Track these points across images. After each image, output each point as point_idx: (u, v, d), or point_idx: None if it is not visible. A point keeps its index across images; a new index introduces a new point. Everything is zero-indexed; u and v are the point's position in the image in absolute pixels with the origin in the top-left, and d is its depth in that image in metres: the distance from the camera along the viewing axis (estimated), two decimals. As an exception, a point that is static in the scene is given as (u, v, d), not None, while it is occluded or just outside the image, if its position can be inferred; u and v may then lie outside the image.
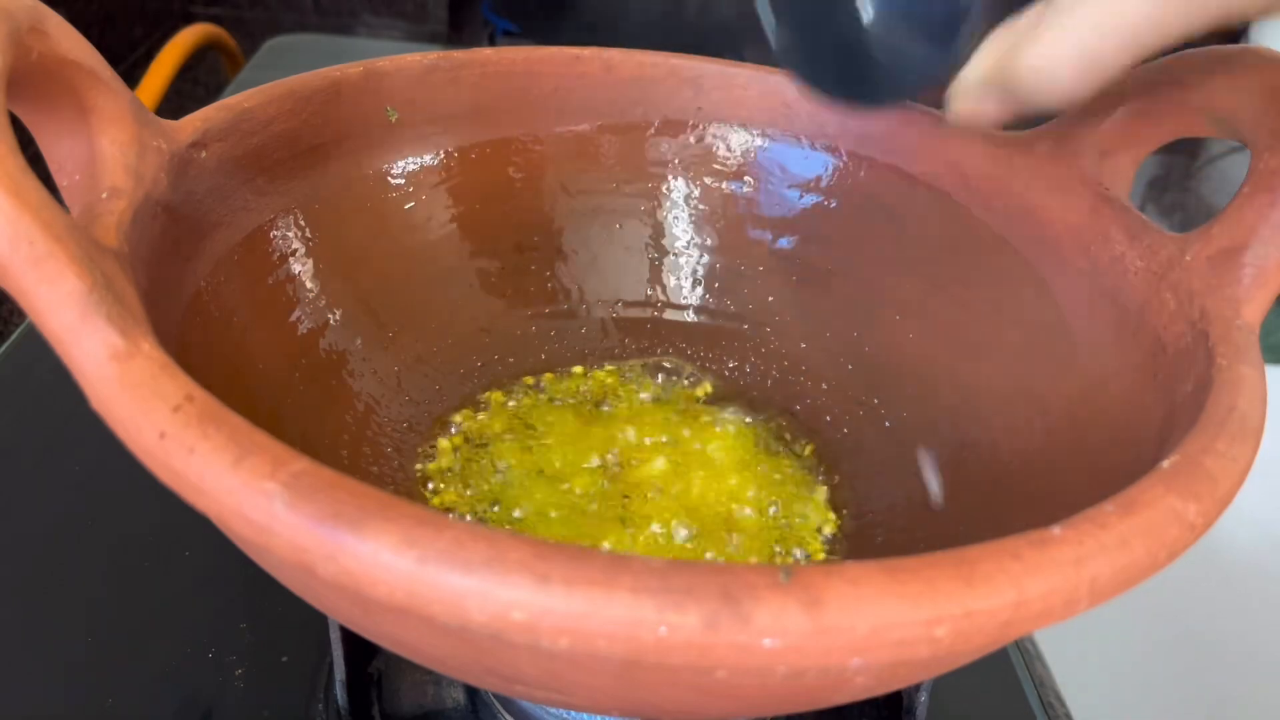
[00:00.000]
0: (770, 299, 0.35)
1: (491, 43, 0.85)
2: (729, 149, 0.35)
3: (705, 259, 0.36)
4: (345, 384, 0.30)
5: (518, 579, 0.13)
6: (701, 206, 0.36)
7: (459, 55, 0.33)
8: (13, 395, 0.40)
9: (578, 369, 0.35)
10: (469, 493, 0.30)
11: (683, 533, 0.29)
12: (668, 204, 0.36)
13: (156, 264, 0.21)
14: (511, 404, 0.33)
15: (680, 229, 0.36)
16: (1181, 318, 0.23)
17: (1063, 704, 0.34)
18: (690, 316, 0.36)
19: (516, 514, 0.30)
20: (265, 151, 0.28)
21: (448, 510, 0.30)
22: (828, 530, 0.30)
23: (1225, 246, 0.23)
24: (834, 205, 0.34)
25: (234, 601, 0.32)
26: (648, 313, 0.36)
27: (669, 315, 0.36)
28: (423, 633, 0.16)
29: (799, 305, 0.35)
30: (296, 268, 0.29)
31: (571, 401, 0.34)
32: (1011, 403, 0.28)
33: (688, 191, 0.36)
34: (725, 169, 0.35)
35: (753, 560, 0.29)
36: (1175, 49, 0.22)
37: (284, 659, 0.31)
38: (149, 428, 0.15)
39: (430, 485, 0.31)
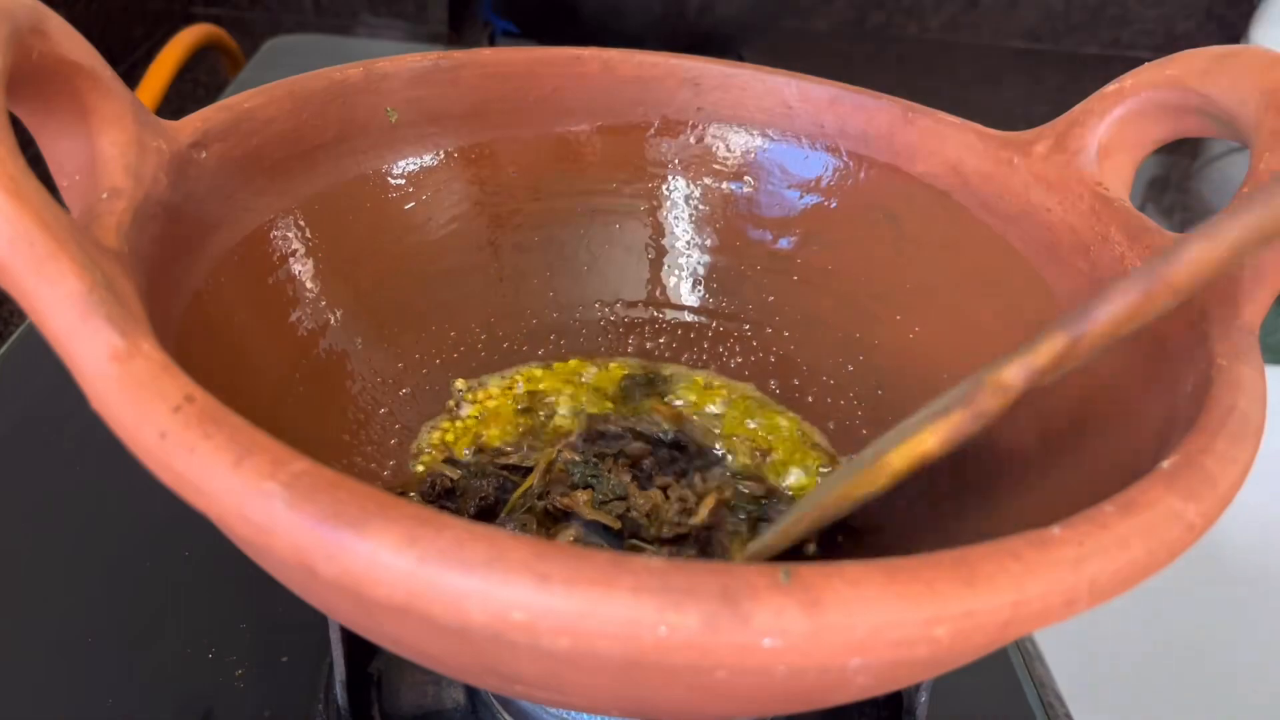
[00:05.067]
0: (770, 299, 0.35)
1: (491, 43, 0.85)
2: (729, 149, 0.35)
3: (705, 259, 0.36)
4: (345, 384, 0.31)
5: (518, 579, 0.13)
6: (701, 207, 0.36)
7: (459, 55, 0.33)
8: (13, 395, 0.40)
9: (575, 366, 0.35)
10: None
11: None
12: (667, 204, 0.36)
13: (156, 264, 0.21)
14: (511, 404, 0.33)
15: (680, 229, 0.36)
16: (1181, 318, 0.23)
17: (1063, 704, 0.34)
18: (690, 316, 0.36)
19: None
20: (265, 151, 0.28)
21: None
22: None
23: (1225, 247, 0.23)
24: (834, 205, 0.34)
25: (234, 601, 0.32)
26: (648, 313, 0.36)
27: (669, 315, 0.36)
28: (423, 633, 0.16)
29: (799, 305, 0.35)
30: (296, 268, 0.29)
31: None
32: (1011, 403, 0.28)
33: (687, 192, 0.36)
34: (725, 169, 0.35)
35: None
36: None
37: (284, 659, 0.31)
38: (149, 428, 0.15)
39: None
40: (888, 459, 0.21)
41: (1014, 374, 0.20)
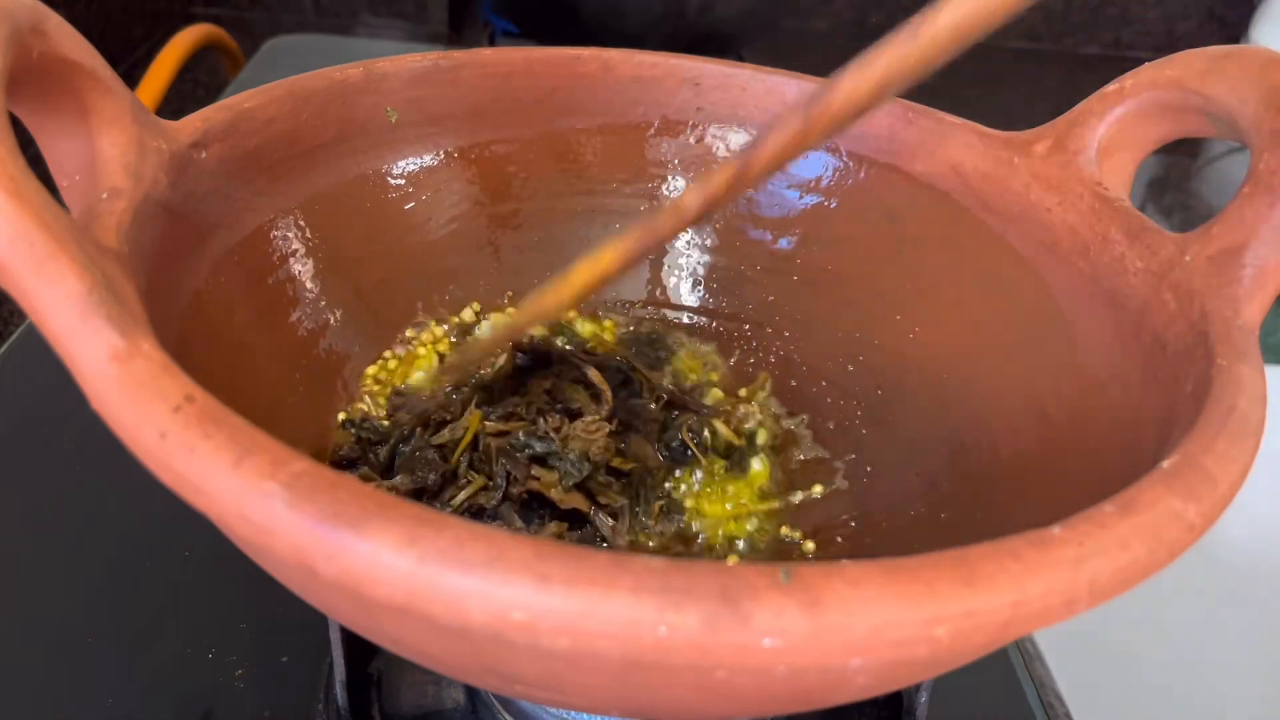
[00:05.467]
0: (770, 299, 0.35)
1: (491, 43, 0.85)
2: (729, 149, 0.35)
3: (705, 259, 0.36)
4: (346, 385, 0.30)
5: (518, 579, 0.13)
6: (701, 207, 0.36)
7: (459, 55, 0.33)
8: (13, 395, 0.40)
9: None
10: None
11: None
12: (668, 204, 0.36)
13: (157, 264, 0.21)
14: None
15: (680, 229, 0.36)
16: (1181, 318, 0.23)
17: (1063, 704, 0.34)
18: (690, 317, 0.36)
19: None
20: (265, 151, 0.28)
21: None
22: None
23: (1225, 246, 0.23)
24: (834, 205, 0.34)
25: (234, 601, 0.32)
26: (648, 313, 0.36)
27: (669, 315, 0.36)
28: (423, 633, 0.16)
29: (799, 305, 0.35)
30: (296, 268, 0.29)
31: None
32: (1011, 403, 0.28)
33: (688, 192, 0.36)
34: (725, 169, 0.35)
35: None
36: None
37: (284, 659, 0.31)
38: (149, 428, 0.15)
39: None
40: (570, 276, 0.23)
41: (691, 199, 0.21)
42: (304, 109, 0.29)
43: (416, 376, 0.32)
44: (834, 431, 0.33)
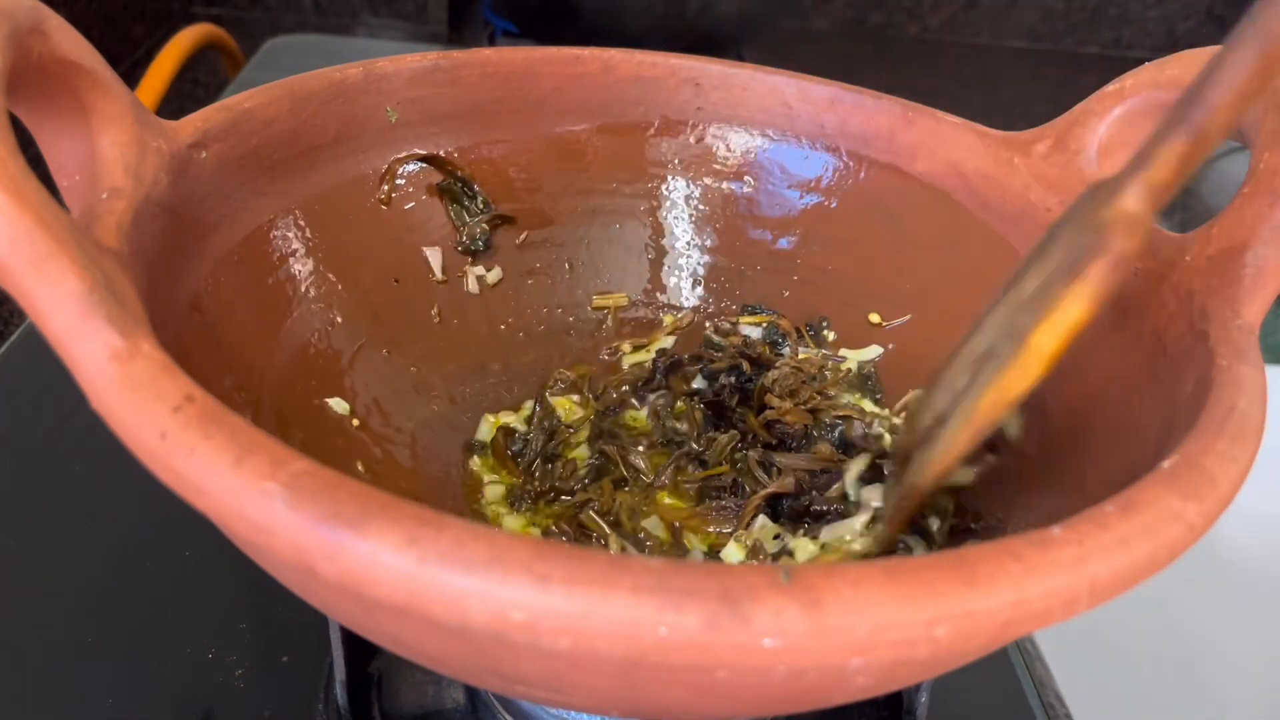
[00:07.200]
0: (770, 299, 0.35)
1: (491, 43, 0.85)
2: (729, 149, 0.35)
3: (705, 259, 0.36)
4: (346, 384, 0.30)
5: (518, 579, 0.13)
6: (701, 207, 0.36)
7: (459, 55, 0.33)
8: (13, 395, 0.40)
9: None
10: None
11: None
12: (668, 204, 0.36)
13: (157, 264, 0.21)
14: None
15: (680, 229, 0.36)
16: (1181, 318, 0.23)
17: (1063, 704, 0.34)
18: (690, 316, 0.36)
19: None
20: (265, 151, 0.28)
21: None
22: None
23: (1225, 247, 0.23)
24: (834, 205, 0.34)
25: (234, 601, 0.32)
26: (648, 313, 0.36)
27: (669, 316, 0.36)
28: (423, 633, 0.16)
29: (799, 305, 0.35)
30: (296, 268, 0.29)
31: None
32: (1011, 403, 0.28)
33: (688, 192, 0.36)
34: (725, 169, 0.35)
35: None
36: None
37: (284, 659, 0.31)
38: (149, 428, 0.15)
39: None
40: (1035, 342, 0.17)
41: (1134, 201, 0.16)
42: (304, 109, 0.29)
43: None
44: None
